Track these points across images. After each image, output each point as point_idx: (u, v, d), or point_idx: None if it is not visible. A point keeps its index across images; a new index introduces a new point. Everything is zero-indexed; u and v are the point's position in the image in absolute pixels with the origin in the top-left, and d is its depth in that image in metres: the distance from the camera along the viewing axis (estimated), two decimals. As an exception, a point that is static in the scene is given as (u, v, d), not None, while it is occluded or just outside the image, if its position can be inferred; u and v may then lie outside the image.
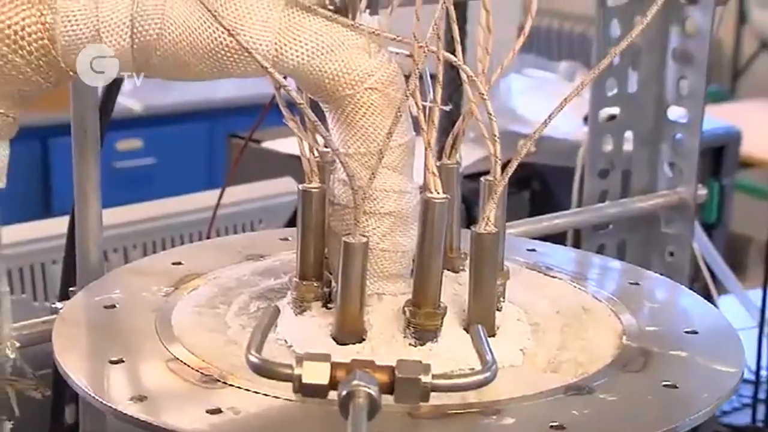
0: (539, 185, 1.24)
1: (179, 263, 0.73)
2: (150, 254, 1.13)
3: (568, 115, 1.20)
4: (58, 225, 1.04)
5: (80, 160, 0.71)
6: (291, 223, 1.23)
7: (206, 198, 1.18)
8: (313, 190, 0.65)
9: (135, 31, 0.60)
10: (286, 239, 0.79)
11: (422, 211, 0.61)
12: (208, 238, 1.01)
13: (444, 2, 0.60)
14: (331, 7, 0.72)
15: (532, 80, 1.45)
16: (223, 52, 0.61)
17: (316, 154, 0.66)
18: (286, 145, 1.46)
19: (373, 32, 0.63)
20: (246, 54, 0.61)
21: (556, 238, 0.96)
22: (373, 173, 0.61)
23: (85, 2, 0.60)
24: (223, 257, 0.75)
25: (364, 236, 0.61)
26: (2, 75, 0.59)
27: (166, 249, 1.13)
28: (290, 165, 1.44)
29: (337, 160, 0.62)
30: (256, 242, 0.79)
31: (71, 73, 0.61)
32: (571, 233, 1.07)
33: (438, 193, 0.60)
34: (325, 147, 0.66)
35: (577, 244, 1.05)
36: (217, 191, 1.06)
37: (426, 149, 0.61)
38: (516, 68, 1.48)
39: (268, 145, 1.46)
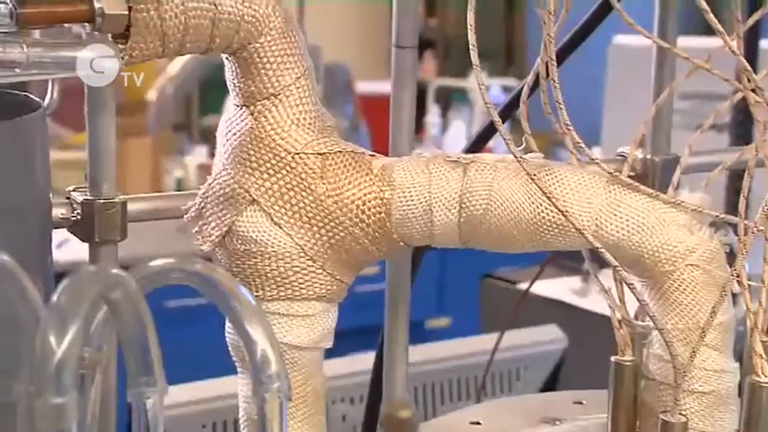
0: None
1: (478, 423, 0.74)
2: (417, 399, 1.15)
3: None
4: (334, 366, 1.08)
5: (392, 322, 0.75)
6: (556, 373, 1.23)
7: (471, 343, 1.19)
8: (627, 363, 0.65)
9: (463, 206, 0.63)
10: (580, 402, 0.79)
11: (749, 395, 0.60)
12: (482, 386, 1.02)
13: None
14: (632, 174, 0.73)
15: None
16: (545, 227, 0.63)
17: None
18: (543, 288, 1.47)
19: (696, 209, 0.63)
20: (568, 229, 0.63)
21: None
22: (693, 351, 0.61)
23: (420, 179, 0.63)
24: (520, 418, 0.75)
25: (683, 415, 0.60)
26: (343, 245, 0.63)
27: (433, 395, 1.15)
28: (546, 309, 1.45)
29: (658, 337, 0.62)
30: (551, 405, 0.79)
31: (401, 243, 0.65)
32: None
33: (766, 376, 0.59)
34: (635, 319, 0.67)
35: None
36: (475, 337, 1.08)
37: (754, 330, 0.60)
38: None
39: (524, 287, 1.47)
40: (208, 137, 3.11)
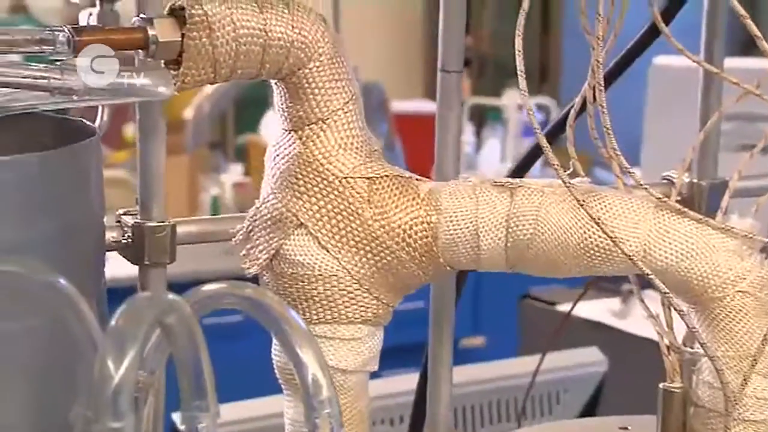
0: None
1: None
2: (457, 421, 1.15)
3: None
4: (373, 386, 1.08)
5: (436, 342, 0.75)
6: (596, 396, 1.22)
7: (511, 365, 1.19)
8: (675, 390, 0.65)
9: (510, 230, 0.63)
10: (626, 428, 0.78)
11: (801, 424, 0.59)
12: (523, 410, 1.02)
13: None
14: (678, 198, 0.73)
15: None
16: (592, 252, 0.63)
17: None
18: (583, 310, 1.46)
19: (746, 235, 0.62)
20: (616, 254, 0.62)
21: None
22: (744, 379, 0.60)
23: (467, 203, 0.64)
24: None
25: (733, 443, 0.60)
26: (389, 268, 0.63)
27: (473, 418, 1.15)
28: (586, 330, 1.44)
29: (707, 364, 0.62)
30: (597, 431, 0.79)
31: (448, 267, 0.65)
32: None
33: (818, 406, 0.58)
34: (684, 345, 0.66)
35: None
36: (515, 359, 1.07)
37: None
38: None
39: (563, 308, 1.46)
40: (243, 155, 3.13)
